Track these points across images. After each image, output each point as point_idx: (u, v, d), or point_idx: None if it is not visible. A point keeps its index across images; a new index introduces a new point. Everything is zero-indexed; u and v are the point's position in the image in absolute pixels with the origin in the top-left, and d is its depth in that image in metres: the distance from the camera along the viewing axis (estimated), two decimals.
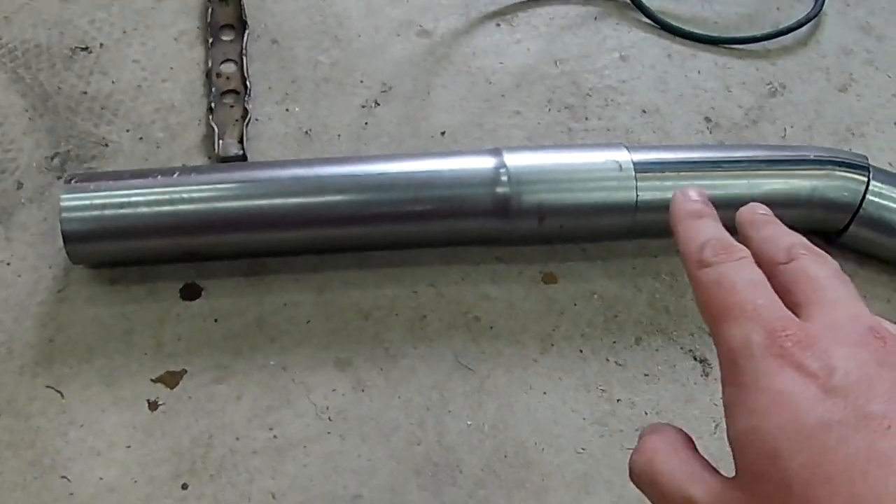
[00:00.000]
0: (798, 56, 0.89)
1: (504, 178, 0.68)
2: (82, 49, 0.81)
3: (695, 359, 0.70)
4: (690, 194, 0.49)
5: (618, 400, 0.67)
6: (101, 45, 0.82)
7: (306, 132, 0.77)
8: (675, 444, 0.42)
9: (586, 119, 0.80)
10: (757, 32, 0.89)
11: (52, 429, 0.62)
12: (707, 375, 0.69)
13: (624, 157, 0.70)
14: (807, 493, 0.34)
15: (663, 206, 0.69)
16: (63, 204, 0.65)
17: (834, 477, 0.34)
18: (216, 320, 0.68)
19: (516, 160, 0.69)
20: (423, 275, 0.71)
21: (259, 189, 0.67)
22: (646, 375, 0.69)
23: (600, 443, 0.65)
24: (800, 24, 0.89)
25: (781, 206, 0.72)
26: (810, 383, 0.36)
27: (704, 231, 0.45)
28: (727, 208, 0.71)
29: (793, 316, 0.40)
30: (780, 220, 0.73)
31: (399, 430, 0.64)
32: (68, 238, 0.65)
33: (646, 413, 0.67)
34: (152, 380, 0.65)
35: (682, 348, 0.70)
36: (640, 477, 0.42)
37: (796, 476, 0.35)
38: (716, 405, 0.67)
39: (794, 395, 0.36)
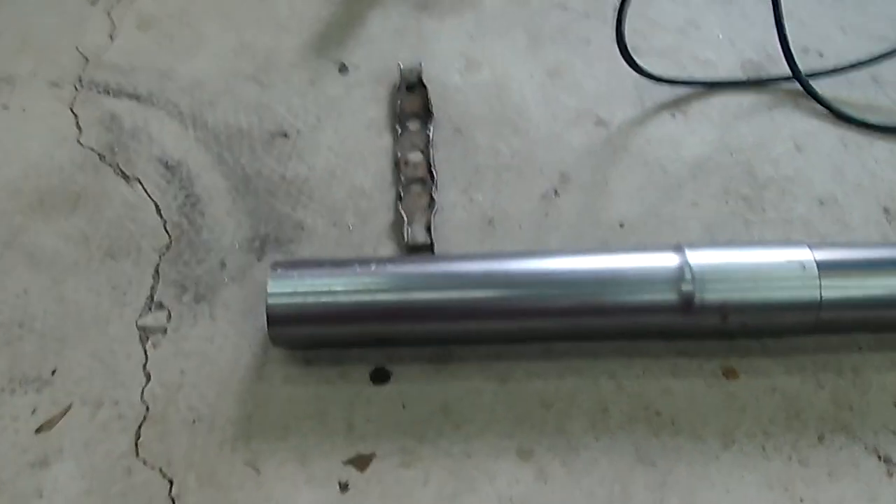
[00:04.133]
0: None
1: (688, 276, 0.64)
2: (280, 135, 0.82)
3: (879, 458, 0.64)
4: None
5: (801, 499, 0.62)
6: (298, 130, 0.82)
7: (489, 221, 0.75)
8: None
9: (763, 210, 0.76)
10: None
11: (249, 503, 0.61)
12: (892, 476, 0.63)
13: (806, 256, 0.66)
14: None
15: (847, 305, 0.66)
16: (270, 290, 0.65)
17: None
18: (404, 405, 0.66)
19: (699, 258, 0.65)
20: (605, 367, 0.67)
21: (449, 282, 0.65)
22: (829, 474, 0.63)
23: None
24: None
25: None
26: None
27: None
28: None
29: None
30: None
31: None
32: (273, 322, 0.65)
33: None
34: (343, 462, 0.63)
35: (865, 447, 0.64)
36: None
37: None
38: None
39: None
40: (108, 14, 0.89)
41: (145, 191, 0.78)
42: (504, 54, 0.84)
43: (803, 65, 0.83)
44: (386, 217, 0.76)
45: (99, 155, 0.81)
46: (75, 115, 0.84)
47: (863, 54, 0.85)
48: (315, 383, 0.67)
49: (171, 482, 0.63)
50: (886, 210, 0.76)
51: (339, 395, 0.66)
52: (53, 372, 0.68)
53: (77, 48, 0.88)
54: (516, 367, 0.67)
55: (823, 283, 0.65)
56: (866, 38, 0.87)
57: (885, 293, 0.66)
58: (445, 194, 0.77)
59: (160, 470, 0.63)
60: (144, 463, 0.64)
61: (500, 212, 0.76)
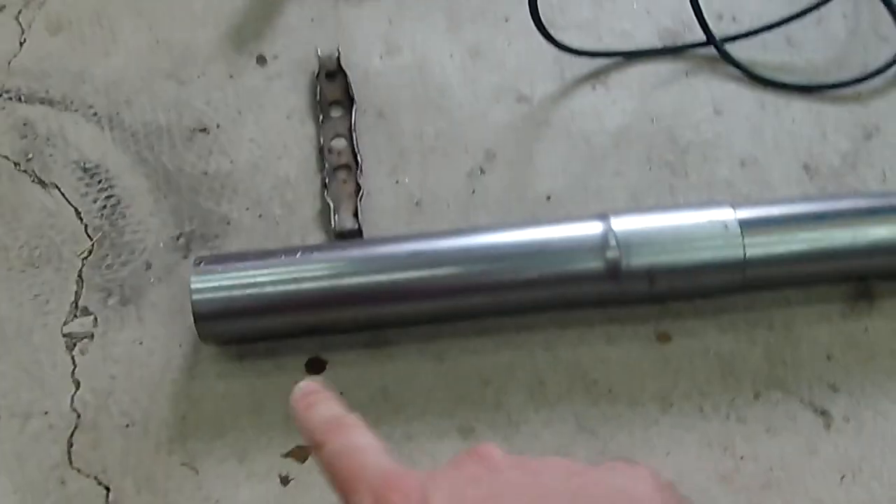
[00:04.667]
0: (890, 97, 0.83)
1: (613, 243, 0.65)
2: (200, 130, 0.80)
3: (815, 411, 0.65)
4: (302, 388, 0.48)
5: (741, 457, 0.63)
6: (218, 125, 0.80)
7: (416, 203, 0.75)
8: None
9: (687, 175, 0.76)
10: (846, 77, 0.83)
11: None
12: (829, 427, 0.64)
13: (729, 215, 0.66)
14: None
15: (772, 262, 0.67)
16: (193, 286, 0.64)
17: None
18: (342, 393, 0.65)
19: (624, 224, 0.66)
20: (539, 339, 0.67)
21: (377, 265, 0.65)
22: (767, 430, 0.64)
23: (727, 501, 0.61)
24: (888, 65, 0.84)
25: (887, 254, 0.68)
26: None
27: (315, 416, 0.45)
28: (834, 259, 0.68)
29: (400, 469, 0.40)
30: (887, 268, 0.68)
31: None
32: (199, 318, 0.64)
33: (770, 469, 0.62)
34: (283, 454, 0.63)
35: (801, 400, 0.65)
36: None
37: None
38: (839, 456, 0.63)
39: None
40: (16, 19, 0.86)
41: (64, 196, 0.76)
42: (424, 36, 0.84)
43: (718, 30, 0.84)
44: (313, 206, 0.75)
45: (14, 163, 0.78)
46: None
47: (776, 17, 0.86)
48: (249, 377, 0.66)
49: (107, 489, 0.62)
50: (806, 167, 0.77)
51: (274, 388, 0.65)
52: None
53: None
54: (453, 345, 0.67)
55: (747, 241, 0.65)
56: (779, 0, 0.88)
57: (808, 247, 0.67)
58: (371, 179, 0.76)
59: (95, 478, 0.62)
60: (79, 471, 0.62)
61: (427, 193, 0.75)
